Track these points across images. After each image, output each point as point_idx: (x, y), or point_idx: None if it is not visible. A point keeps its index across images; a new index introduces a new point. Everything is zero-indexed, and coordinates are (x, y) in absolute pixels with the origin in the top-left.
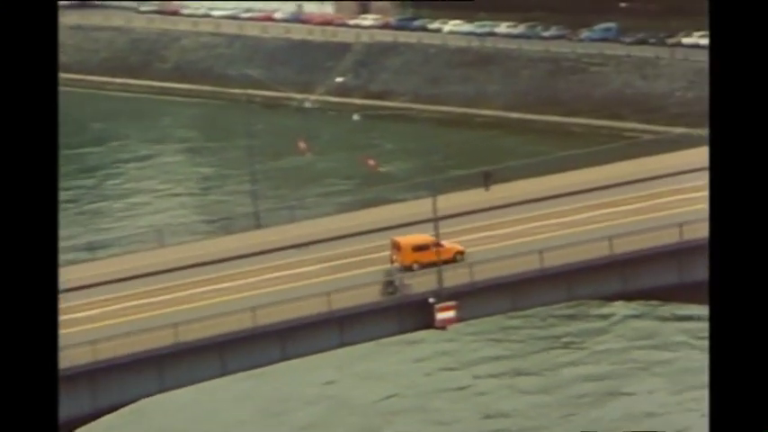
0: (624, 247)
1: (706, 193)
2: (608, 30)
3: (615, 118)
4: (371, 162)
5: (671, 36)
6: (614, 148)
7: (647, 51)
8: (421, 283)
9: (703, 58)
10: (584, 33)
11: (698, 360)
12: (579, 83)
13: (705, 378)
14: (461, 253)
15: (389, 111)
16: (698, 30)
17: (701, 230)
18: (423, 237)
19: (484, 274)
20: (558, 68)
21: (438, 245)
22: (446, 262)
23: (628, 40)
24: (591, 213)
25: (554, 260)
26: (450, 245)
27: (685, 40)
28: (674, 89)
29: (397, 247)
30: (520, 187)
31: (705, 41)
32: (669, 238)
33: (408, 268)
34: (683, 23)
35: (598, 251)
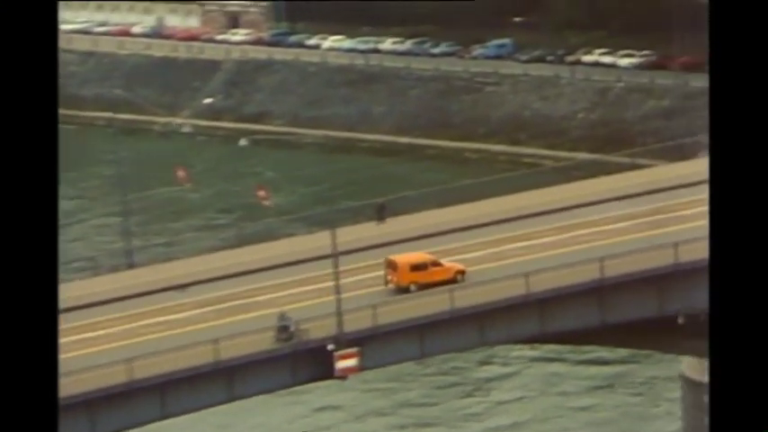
0: (541, 284)
1: (625, 225)
2: (502, 46)
3: (513, 143)
4: (262, 193)
5: (570, 53)
6: (520, 175)
7: (545, 70)
8: (319, 328)
9: (606, 77)
10: (477, 50)
11: (615, 407)
12: (473, 104)
13: (623, 427)
14: (462, 272)
15: (266, 135)
16: (598, 47)
17: (623, 266)
18: (420, 255)
19: (388, 316)
20: (450, 88)
21: (437, 264)
22: (446, 282)
23: (524, 57)
24: (501, 248)
25: (465, 300)
26: (449, 264)
27: (585, 58)
28: (576, 111)
29: (392, 266)
30: (418, 220)
31: (607, 59)
32: (589, 274)
33: (405, 290)
34: (583, 39)
35: (513, 289)
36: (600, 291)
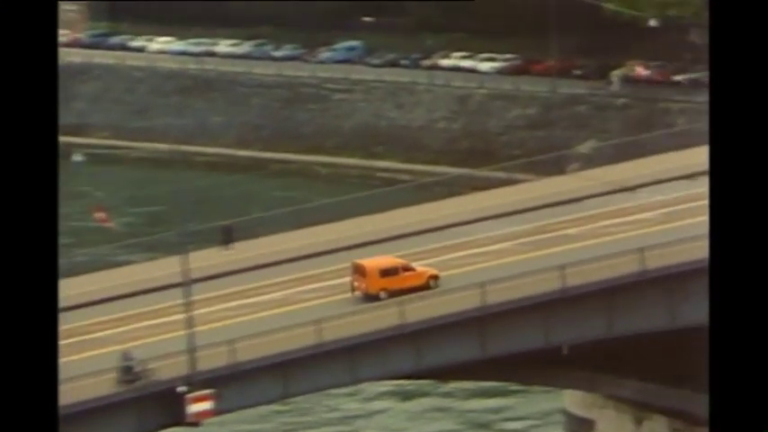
0: (415, 314)
1: (506, 246)
2: (352, 49)
3: (368, 156)
4: (100, 215)
5: (426, 57)
6: (382, 193)
7: (400, 75)
8: (169, 367)
9: (466, 83)
10: (324, 53)
11: None
12: (323, 113)
13: None
14: (436, 277)
15: (89, 149)
16: (457, 50)
17: (505, 292)
18: (390, 259)
19: (248, 353)
20: (296, 96)
21: (408, 268)
22: (418, 288)
23: (376, 61)
24: None
25: (332, 333)
26: (421, 268)
27: (443, 62)
28: (435, 120)
29: (360, 272)
30: (270, 244)
31: (467, 63)
32: (469, 302)
33: (374, 297)
34: (440, 42)
35: (385, 320)
36: (481, 320)
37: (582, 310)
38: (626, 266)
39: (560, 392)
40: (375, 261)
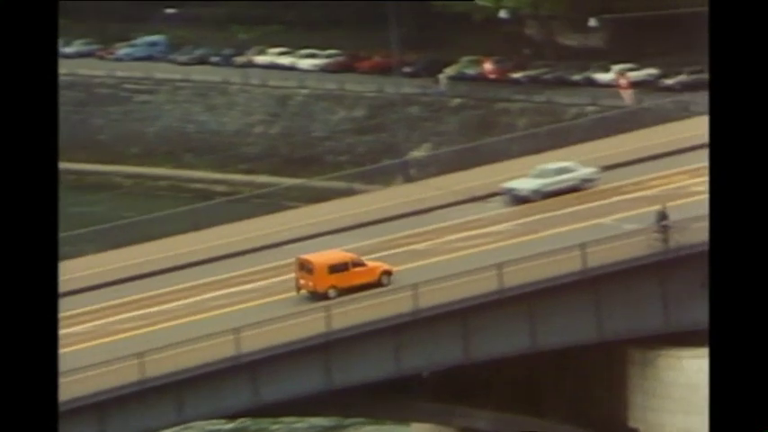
0: (253, 342)
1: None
2: (154, 45)
3: (176, 165)
4: None
5: (239, 53)
6: (204, 207)
7: (210, 74)
8: None
9: (285, 82)
10: (123, 50)
11: None
12: (123, 117)
13: None
14: (389, 273)
15: None
16: (274, 45)
17: (352, 316)
18: (339, 253)
19: (61, 392)
20: (91, 97)
21: (358, 264)
22: (370, 285)
23: (182, 58)
24: (200, 297)
25: (157, 367)
26: (373, 263)
27: (259, 59)
28: (252, 124)
29: (306, 268)
30: (78, 267)
31: (285, 60)
32: (311, 327)
33: (323, 296)
34: (254, 36)
35: (219, 350)
36: (326, 347)
37: (436, 334)
38: (482, 284)
39: (410, 426)
40: (323, 256)
